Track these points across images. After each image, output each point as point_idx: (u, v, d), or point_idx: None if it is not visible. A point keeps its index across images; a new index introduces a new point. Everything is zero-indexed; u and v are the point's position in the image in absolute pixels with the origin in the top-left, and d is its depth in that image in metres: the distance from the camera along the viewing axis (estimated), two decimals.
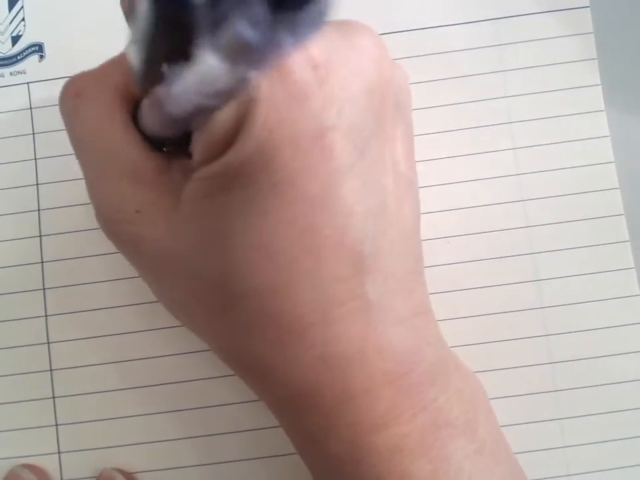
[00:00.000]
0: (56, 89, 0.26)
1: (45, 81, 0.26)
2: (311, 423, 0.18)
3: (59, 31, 0.27)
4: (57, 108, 0.26)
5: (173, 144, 0.19)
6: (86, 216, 0.25)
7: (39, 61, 0.27)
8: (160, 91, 0.15)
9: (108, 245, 0.25)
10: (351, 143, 0.16)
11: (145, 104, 0.17)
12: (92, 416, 0.24)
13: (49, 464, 0.24)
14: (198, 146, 0.17)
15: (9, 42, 0.27)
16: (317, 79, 0.16)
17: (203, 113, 0.16)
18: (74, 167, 0.26)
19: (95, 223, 0.25)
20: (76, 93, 0.19)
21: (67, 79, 0.26)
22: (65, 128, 0.20)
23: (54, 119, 0.26)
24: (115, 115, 0.19)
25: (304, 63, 0.16)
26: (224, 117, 0.16)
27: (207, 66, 0.12)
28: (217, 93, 0.13)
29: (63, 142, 0.26)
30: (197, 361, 0.24)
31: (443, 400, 0.18)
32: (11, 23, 0.27)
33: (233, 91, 0.13)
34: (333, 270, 0.17)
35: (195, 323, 0.20)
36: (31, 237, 0.25)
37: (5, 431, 0.24)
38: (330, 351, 0.17)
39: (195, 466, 0.24)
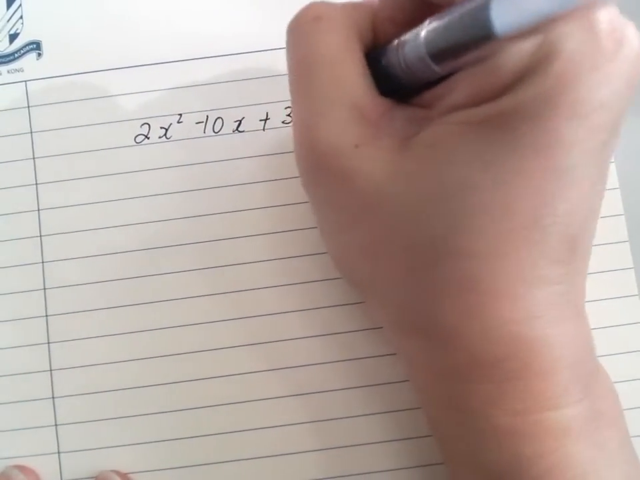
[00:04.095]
0: (53, 87, 0.26)
1: (42, 79, 0.26)
2: (480, 391, 0.17)
3: (56, 29, 0.27)
4: (56, 107, 0.26)
5: (403, 92, 0.18)
6: (86, 215, 0.25)
7: (37, 59, 0.26)
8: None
9: (108, 245, 0.25)
10: (608, 128, 0.16)
11: (419, 37, 0.16)
12: (92, 416, 0.24)
13: (49, 464, 0.24)
14: (466, 85, 0.16)
15: (7, 39, 0.27)
16: (613, 51, 0.15)
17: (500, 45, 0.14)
18: (73, 166, 0.26)
19: (95, 223, 0.25)
20: (317, 16, 0.18)
21: (64, 77, 0.27)
22: (291, 52, 0.19)
23: (52, 117, 0.26)
24: (354, 45, 0.18)
25: (610, 30, 0.15)
26: (519, 55, 0.15)
27: None
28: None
29: (62, 141, 0.26)
30: (193, 360, 0.24)
31: (598, 391, 0.18)
32: (8, 20, 0.27)
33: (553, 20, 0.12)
34: (551, 251, 0.16)
35: (383, 275, 0.18)
36: (31, 237, 0.25)
37: (5, 430, 0.24)
38: (526, 328, 0.16)
39: (195, 466, 0.24)
